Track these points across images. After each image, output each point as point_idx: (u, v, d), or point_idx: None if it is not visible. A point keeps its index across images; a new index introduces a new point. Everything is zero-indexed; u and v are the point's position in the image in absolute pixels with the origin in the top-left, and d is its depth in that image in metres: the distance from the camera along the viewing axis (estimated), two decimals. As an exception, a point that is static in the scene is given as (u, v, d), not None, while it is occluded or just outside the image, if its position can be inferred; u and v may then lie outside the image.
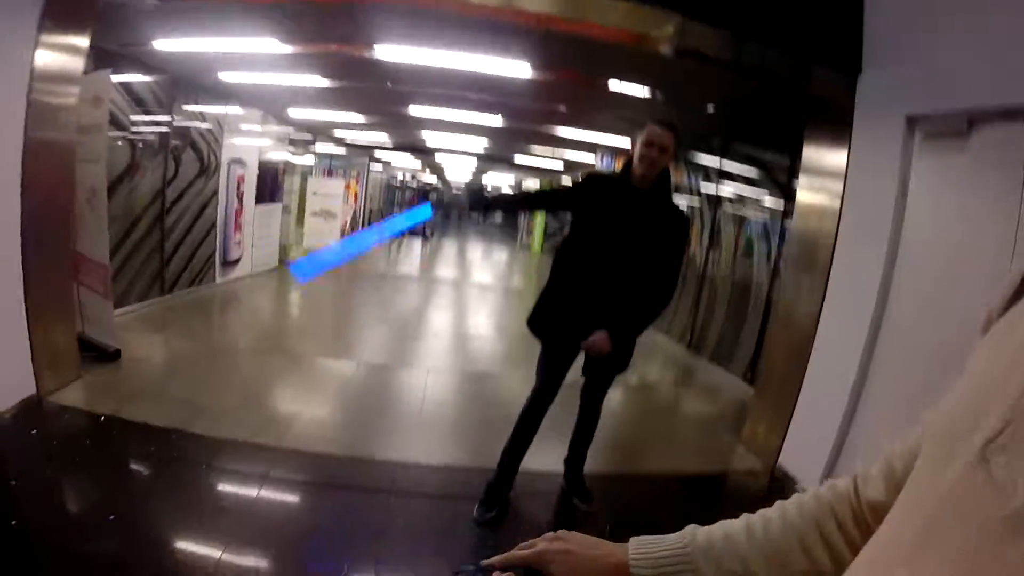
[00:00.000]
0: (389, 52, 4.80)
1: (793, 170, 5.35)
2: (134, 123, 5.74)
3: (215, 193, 7.63)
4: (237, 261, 8.60)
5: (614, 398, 5.64)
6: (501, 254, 20.92)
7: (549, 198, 3.72)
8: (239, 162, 8.20)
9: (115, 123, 5.43)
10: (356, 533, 3.01)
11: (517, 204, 4.13)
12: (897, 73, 3.44)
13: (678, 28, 3.68)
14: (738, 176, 6.95)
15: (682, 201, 8.32)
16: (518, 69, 5.03)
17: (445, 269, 15.52)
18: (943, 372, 2.21)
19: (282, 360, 5.62)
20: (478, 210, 3.42)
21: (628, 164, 3.04)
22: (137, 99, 5.75)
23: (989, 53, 2.78)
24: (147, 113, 5.93)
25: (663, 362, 7.49)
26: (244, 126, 8.37)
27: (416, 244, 19.65)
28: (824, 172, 4.06)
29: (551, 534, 0.78)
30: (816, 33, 3.62)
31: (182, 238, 6.92)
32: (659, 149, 2.87)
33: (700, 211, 7.92)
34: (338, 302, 9.48)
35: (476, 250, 21.89)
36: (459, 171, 20.95)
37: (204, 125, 7.17)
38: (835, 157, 3.93)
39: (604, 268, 3.00)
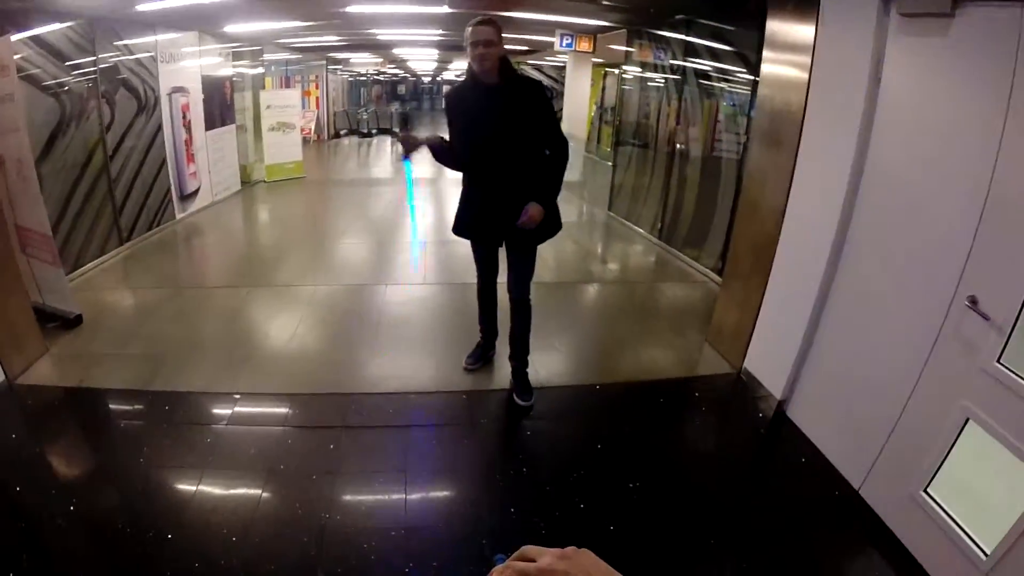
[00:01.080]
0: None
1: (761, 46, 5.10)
2: (56, 77, 5.39)
3: (160, 128, 7.31)
4: (195, 192, 8.37)
5: (580, 294, 5.65)
6: None
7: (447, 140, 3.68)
8: (181, 90, 7.80)
9: (36, 82, 5.11)
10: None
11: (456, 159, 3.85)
12: None
13: None
14: (709, 51, 6.63)
15: (655, 77, 8.06)
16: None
17: (419, 165, 15.14)
18: (913, 269, 2.17)
19: (252, 293, 5.56)
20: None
21: (470, 70, 3.33)
22: (54, 51, 5.36)
23: None
24: (68, 63, 5.56)
25: (632, 254, 7.44)
26: (181, 51, 7.90)
27: (386, 142, 19.17)
28: (790, 47, 3.78)
29: (563, 550, 0.71)
30: None
31: (132, 182, 6.68)
32: (484, 44, 3.14)
33: (670, 88, 7.64)
34: (307, 218, 9.32)
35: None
36: (422, 63, 20.10)
37: (133, 60, 6.72)
38: (802, 31, 3.64)
39: (491, 162, 3.38)
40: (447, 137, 3.51)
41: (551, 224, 3.54)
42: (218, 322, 4.93)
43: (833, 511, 3.05)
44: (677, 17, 7.04)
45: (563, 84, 15.22)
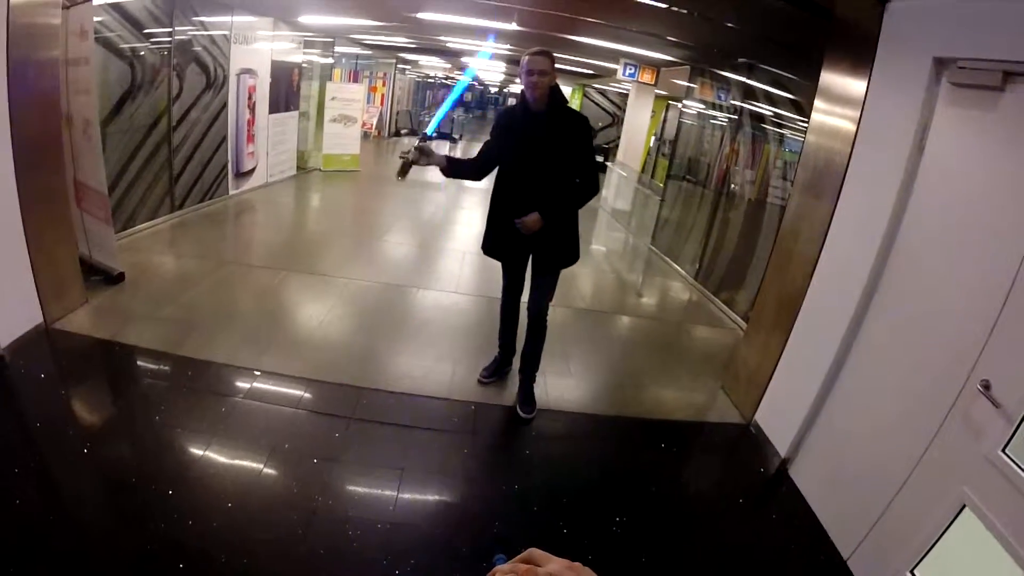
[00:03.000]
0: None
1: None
2: (132, 45, 5.65)
3: (225, 105, 7.57)
4: (251, 172, 8.63)
5: (607, 324, 5.66)
6: None
7: (485, 152, 3.80)
8: (249, 72, 8.08)
9: (113, 47, 5.36)
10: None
11: (473, 168, 3.92)
12: (929, 7, 3.06)
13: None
14: (768, 96, 6.63)
15: (718, 116, 8.07)
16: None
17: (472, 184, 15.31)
18: (931, 344, 2.16)
19: (288, 277, 5.71)
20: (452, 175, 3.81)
21: (522, 93, 3.49)
22: (133, 20, 5.62)
23: None
24: (146, 34, 5.82)
25: (667, 291, 7.41)
26: (254, 34, 8.18)
27: (444, 147, 19.42)
28: (840, 99, 3.75)
29: (570, 563, 0.73)
30: None
31: (191, 153, 6.94)
32: (539, 73, 3.30)
33: (727, 128, 7.64)
34: (354, 212, 9.51)
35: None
36: (489, 73, 20.34)
37: (207, 37, 6.99)
38: (854, 85, 3.62)
39: (523, 186, 3.51)
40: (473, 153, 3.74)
41: (568, 252, 3.71)
42: (252, 300, 5.10)
43: (819, 576, 3.02)
44: (740, 60, 7.06)
45: (624, 112, 15.26)
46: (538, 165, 3.46)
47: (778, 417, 3.97)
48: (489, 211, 3.76)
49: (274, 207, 8.66)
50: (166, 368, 3.84)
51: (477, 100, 34.13)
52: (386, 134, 18.72)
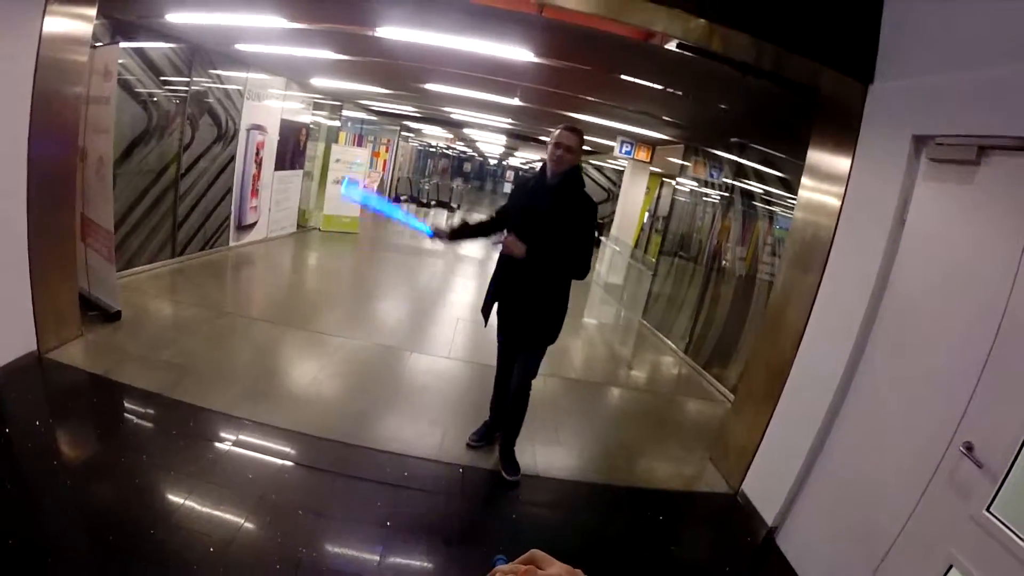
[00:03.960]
0: (392, 33, 4.81)
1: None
2: (150, 91, 5.86)
3: (233, 158, 7.77)
4: (252, 225, 8.77)
5: (597, 396, 5.68)
6: None
7: (499, 214, 3.92)
8: (259, 128, 8.32)
9: (131, 91, 5.56)
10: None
11: (483, 229, 4.01)
12: (909, 88, 3.25)
13: (698, 28, 3.56)
14: (758, 174, 6.86)
15: (711, 193, 8.30)
16: (521, 55, 5.01)
17: (469, 245, 15.45)
18: (917, 409, 2.22)
19: (282, 332, 5.73)
20: (455, 240, 3.90)
21: (544, 166, 3.59)
22: (153, 67, 5.86)
23: (1007, 79, 2.61)
24: (164, 81, 6.05)
25: (657, 364, 7.46)
26: (267, 92, 8.47)
27: (443, 216, 19.72)
28: (826, 176, 3.92)
29: (572, 568, 0.78)
30: (830, 37, 3.49)
31: (196, 202, 7.08)
32: (564, 148, 3.43)
33: (718, 205, 7.86)
34: (352, 274, 9.61)
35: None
36: (490, 146, 20.87)
37: (222, 90, 7.25)
38: (839, 163, 3.79)
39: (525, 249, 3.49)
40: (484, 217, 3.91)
41: (549, 329, 3.72)
42: (247, 351, 5.11)
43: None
44: (732, 139, 7.32)
45: (619, 187, 15.64)
46: (535, 232, 3.47)
47: (765, 486, 3.98)
48: (493, 275, 3.83)
49: (273, 262, 8.76)
50: (156, 410, 3.83)
51: (476, 171, 34.86)
52: (386, 198, 19.04)
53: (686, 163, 9.36)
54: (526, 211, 3.57)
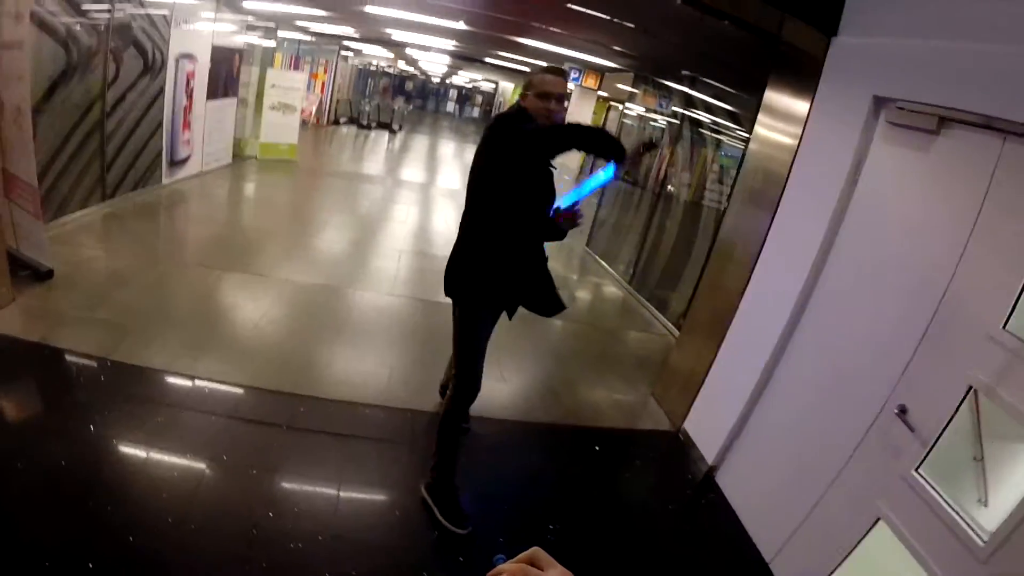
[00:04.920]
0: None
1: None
2: (68, 26, 5.41)
3: (162, 91, 7.32)
4: (186, 160, 8.38)
5: (539, 329, 5.69)
6: (472, 154, 20.18)
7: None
8: (189, 57, 7.82)
9: (47, 27, 5.13)
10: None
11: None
12: (873, 47, 3.22)
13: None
14: (708, 106, 6.83)
15: (659, 120, 8.26)
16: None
17: (411, 169, 15.14)
18: (855, 365, 2.44)
19: (223, 276, 5.57)
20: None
21: (521, 112, 2.82)
22: (72, 2, 5.39)
23: (972, 53, 2.61)
24: (83, 12, 5.58)
25: (600, 295, 7.55)
26: (196, 16, 7.92)
27: (383, 137, 19.22)
28: (783, 116, 3.91)
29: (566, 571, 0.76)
30: None
31: (125, 140, 6.67)
32: (557, 99, 2.77)
33: (667, 131, 7.84)
34: (290, 205, 9.33)
35: (447, 147, 21.37)
36: (434, 67, 20.21)
37: (147, 18, 6.72)
38: (797, 105, 3.75)
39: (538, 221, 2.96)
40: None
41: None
42: (187, 301, 4.96)
43: (743, 578, 3.20)
44: (684, 72, 7.25)
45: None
46: (551, 196, 2.97)
47: (707, 425, 4.14)
48: (501, 257, 2.96)
49: (209, 199, 8.41)
50: (100, 374, 3.70)
51: (419, 90, 33.80)
52: (325, 122, 18.38)
53: (635, 91, 9.27)
54: (547, 177, 2.95)
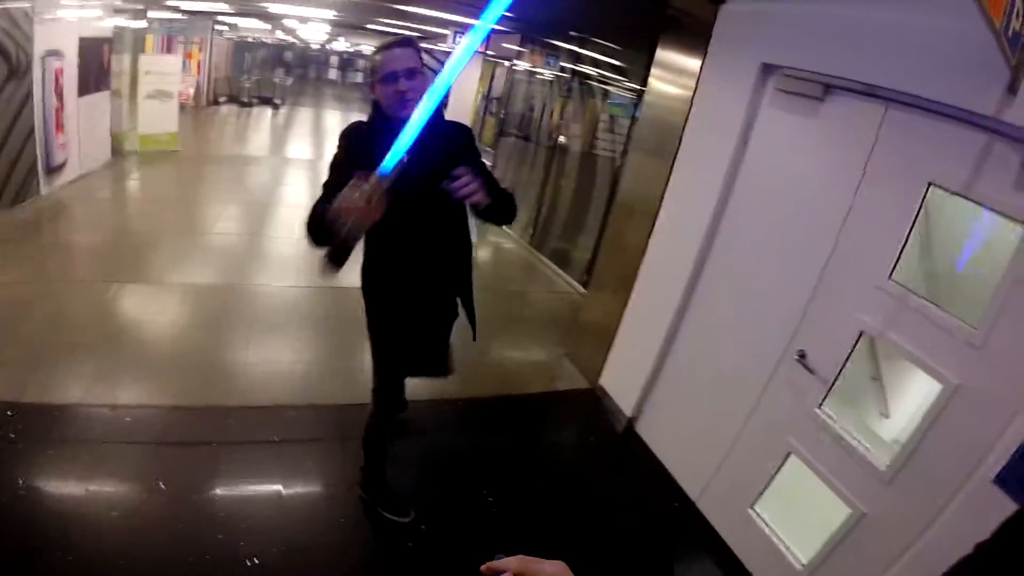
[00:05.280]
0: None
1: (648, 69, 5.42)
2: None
3: (30, 94, 6.82)
4: (63, 165, 7.86)
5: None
6: (359, 118, 19.46)
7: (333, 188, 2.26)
8: (55, 54, 7.28)
9: None
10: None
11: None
12: (761, 13, 3.34)
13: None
14: (596, 63, 6.97)
15: (543, 73, 8.31)
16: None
17: (297, 145, 14.67)
18: (757, 313, 2.97)
19: (121, 290, 5.26)
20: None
21: (376, 106, 2.44)
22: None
23: (856, 22, 2.79)
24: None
25: (501, 257, 7.58)
26: (59, 8, 7.34)
27: (266, 113, 18.50)
28: (677, 71, 3.98)
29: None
30: None
31: (-4, 152, 6.24)
32: (406, 75, 2.26)
33: (557, 85, 7.95)
34: (179, 201, 8.88)
35: (332, 116, 20.75)
36: (313, 34, 19.47)
37: (6, 17, 6.21)
38: (689, 63, 3.85)
39: (420, 233, 2.49)
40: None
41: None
42: (91, 323, 4.68)
43: (674, 521, 3.52)
44: (571, 32, 7.37)
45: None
46: (429, 200, 2.37)
47: (622, 379, 4.34)
48: (387, 297, 2.64)
49: (93, 204, 7.86)
50: (14, 421, 3.44)
51: (299, 59, 32.46)
52: (204, 103, 17.49)
53: (523, 50, 9.33)
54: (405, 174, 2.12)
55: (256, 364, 4.41)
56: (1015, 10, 1.96)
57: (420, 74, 2.30)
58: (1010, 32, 1.96)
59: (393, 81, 2.26)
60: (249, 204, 8.71)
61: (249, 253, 6.66)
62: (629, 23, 5.46)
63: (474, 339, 2.91)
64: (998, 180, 2.29)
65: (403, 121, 1.97)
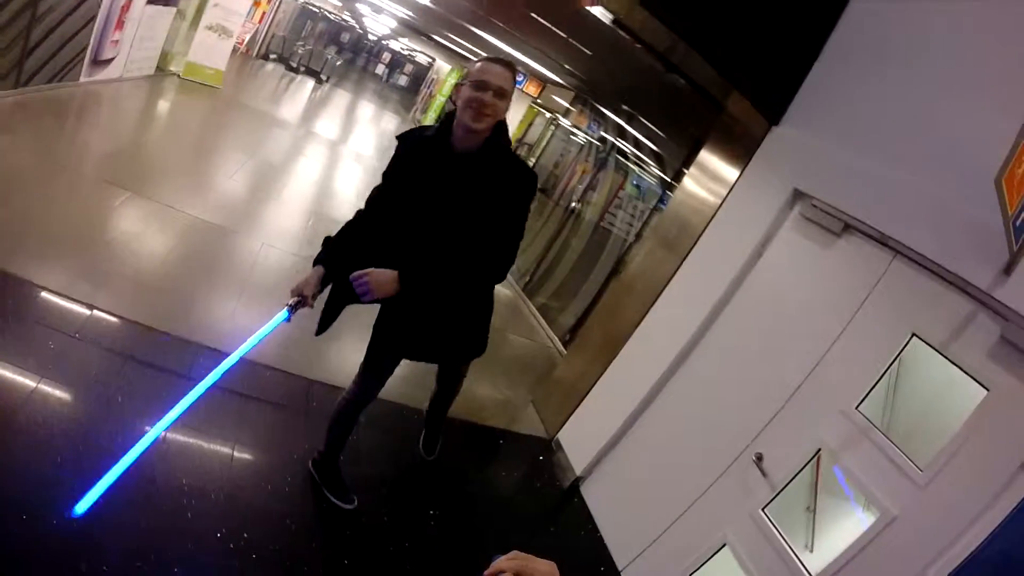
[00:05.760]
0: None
1: (685, 164, 5.63)
2: None
3: (105, -16, 6.91)
4: (109, 61, 7.93)
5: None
6: (390, 122, 19.84)
7: (377, 197, 2.61)
8: (137, -46, 7.44)
9: None
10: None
11: (352, 242, 2.62)
12: (807, 144, 3.57)
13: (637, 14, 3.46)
14: (636, 141, 7.21)
15: (580, 135, 8.54)
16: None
17: (327, 124, 14.78)
18: (725, 411, 3.21)
19: (130, 201, 5.23)
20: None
21: (448, 119, 2.39)
22: None
23: (884, 176, 3.02)
24: None
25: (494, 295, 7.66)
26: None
27: (308, 85, 18.69)
28: (713, 175, 4.19)
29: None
30: (760, 73, 3.60)
31: (54, 27, 6.24)
32: (495, 93, 2.24)
33: (589, 150, 8.16)
34: (208, 135, 8.97)
35: (367, 109, 21.00)
36: (377, 25, 19.81)
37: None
38: (727, 171, 4.05)
39: (423, 253, 2.40)
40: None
41: (474, 342, 3.00)
42: (90, 221, 4.64)
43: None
44: (623, 106, 7.63)
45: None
46: (452, 227, 2.38)
47: (580, 439, 4.41)
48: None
49: (124, 109, 7.94)
50: None
51: (353, 43, 32.89)
52: (254, 54, 17.67)
53: (571, 108, 9.61)
54: (431, 202, 2.38)
55: (242, 314, 4.36)
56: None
57: (506, 99, 2.31)
58: (1018, 222, 2.17)
59: (480, 90, 2.24)
60: (268, 164, 8.72)
61: (258, 209, 6.70)
62: (682, 116, 5.70)
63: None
64: (975, 346, 2.52)
65: (462, 139, 2.28)
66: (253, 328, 3.96)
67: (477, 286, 2.68)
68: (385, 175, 2.52)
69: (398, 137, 2.57)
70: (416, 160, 2.41)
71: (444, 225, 2.37)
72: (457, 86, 2.38)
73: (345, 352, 4.16)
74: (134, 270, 4.28)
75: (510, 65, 2.35)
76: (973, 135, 2.68)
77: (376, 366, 2.83)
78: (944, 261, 2.65)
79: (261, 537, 2.74)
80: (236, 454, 3.16)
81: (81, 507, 1.85)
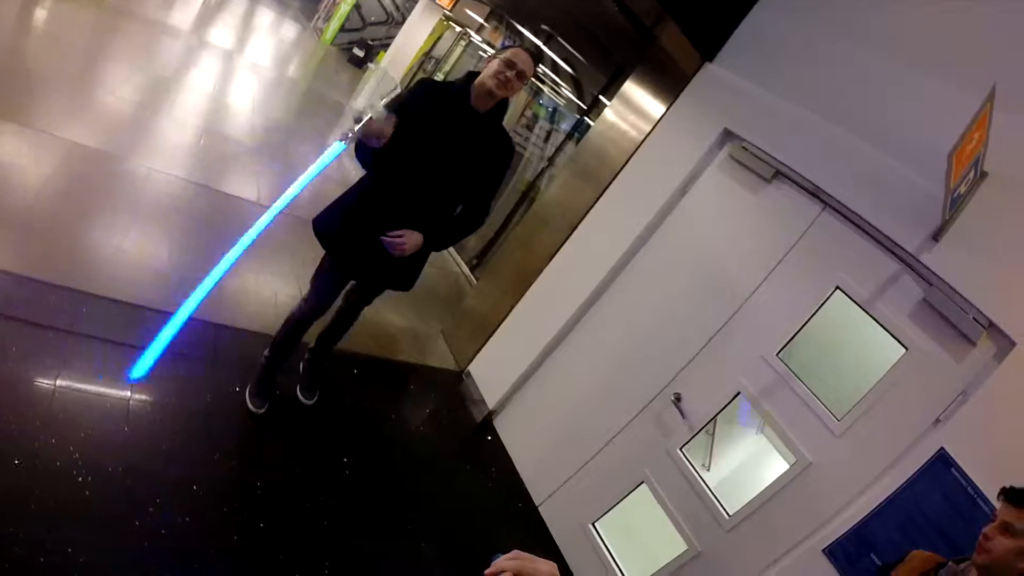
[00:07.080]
0: None
1: (603, 91, 5.58)
2: None
3: None
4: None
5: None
6: (289, 31, 18.47)
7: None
8: None
9: None
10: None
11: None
12: (739, 86, 3.51)
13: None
14: (553, 64, 7.02)
15: (489, 51, 8.26)
16: None
17: (222, 32, 13.54)
18: (646, 346, 3.26)
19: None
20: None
21: (470, 77, 2.76)
22: None
23: (820, 128, 3.06)
24: None
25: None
26: None
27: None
28: (637, 111, 4.07)
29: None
30: (697, 6, 3.53)
31: None
32: (518, 74, 2.66)
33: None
34: (86, 49, 7.92)
35: (265, 17, 19.48)
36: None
37: None
38: (653, 106, 3.94)
39: (418, 189, 2.75)
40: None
41: (410, 271, 3.05)
42: None
43: (513, 519, 3.60)
44: (543, 26, 7.38)
45: (402, 15, 15.17)
46: (447, 171, 2.76)
47: (491, 372, 4.36)
48: (356, 186, 2.91)
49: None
50: None
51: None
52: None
53: (485, 24, 9.28)
54: (444, 141, 2.72)
55: (129, 254, 3.85)
56: (967, 178, 2.27)
57: (524, 81, 2.72)
58: (956, 193, 2.27)
59: (508, 68, 2.64)
60: (157, 77, 7.74)
61: (145, 129, 5.91)
62: (608, 43, 5.57)
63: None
64: (897, 306, 2.64)
65: (479, 98, 2.69)
66: (140, 272, 3.66)
67: (463, 237, 3.09)
68: (400, 110, 2.65)
69: (421, 80, 2.99)
70: (435, 103, 2.75)
71: (449, 166, 2.75)
72: (490, 57, 2.76)
73: (244, 289, 3.99)
74: (1, 209, 3.66)
75: (537, 56, 2.90)
76: (913, 100, 2.75)
77: (324, 285, 3.06)
78: (875, 220, 2.73)
79: (167, 508, 2.51)
80: (131, 411, 2.85)
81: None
